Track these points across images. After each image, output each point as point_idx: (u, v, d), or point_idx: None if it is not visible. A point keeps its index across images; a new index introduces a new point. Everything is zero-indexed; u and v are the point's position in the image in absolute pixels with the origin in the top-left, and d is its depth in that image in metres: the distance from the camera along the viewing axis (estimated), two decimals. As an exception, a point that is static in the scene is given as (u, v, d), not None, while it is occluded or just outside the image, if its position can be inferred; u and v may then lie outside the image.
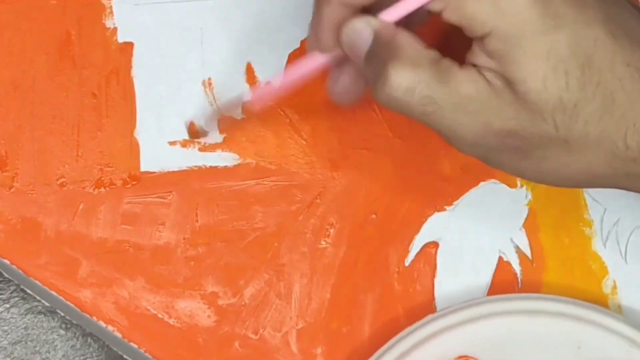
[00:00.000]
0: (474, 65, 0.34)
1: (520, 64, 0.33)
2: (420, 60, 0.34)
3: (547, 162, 0.35)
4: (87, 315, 0.41)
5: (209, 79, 0.43)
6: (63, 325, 0.43)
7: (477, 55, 0.34)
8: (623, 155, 0.34)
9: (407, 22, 0.36)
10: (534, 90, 0.33)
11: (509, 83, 0.33)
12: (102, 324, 0.41)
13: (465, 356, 0.41)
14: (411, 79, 0.34)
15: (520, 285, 0.44)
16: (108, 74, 0.43)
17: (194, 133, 0.42)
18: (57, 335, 0.43)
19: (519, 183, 0.44)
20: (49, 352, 0.43)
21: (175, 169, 0.43)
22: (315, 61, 0.38)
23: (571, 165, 0.35)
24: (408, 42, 0.35)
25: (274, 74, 0.40)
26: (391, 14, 0.35)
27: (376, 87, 0.34)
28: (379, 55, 0.34)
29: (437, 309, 0.43)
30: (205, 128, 0.42)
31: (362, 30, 0.35)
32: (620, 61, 0.34)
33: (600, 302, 0.44)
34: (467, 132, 0.34)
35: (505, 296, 0.42)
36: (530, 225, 0.44)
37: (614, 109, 0.33)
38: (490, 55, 0.33)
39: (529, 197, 0.44)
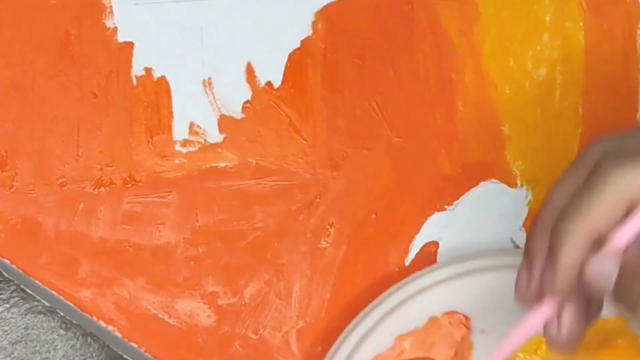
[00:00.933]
0: None
1: None
2: None
3: None
4: (87, 315, 0.41)
5: (209, 78, 0.43)
6: (63, 325, 0.43)
7: None
8: None
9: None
10: None
11: None
12: (102, 324, 0.41)
13: (454, 312, 0.41)
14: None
15: (520, 285, 0.43)
16: (108, 74, 0.43)
17: None
18: (57, 335, 0.43)
19: (519, 183, 0.44)
20: (49, 352, 0.43)
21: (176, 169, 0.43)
22: (542, 314, 0.34)
23: None
24: None
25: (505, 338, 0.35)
26: (625, 234, 0.32)
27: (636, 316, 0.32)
28: (632, 286, 0.32)
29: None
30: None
31: (607, 266, 0.32)
32: None
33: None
34: None
35: (495, 250, 0.42)
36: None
37: None
38: None
39: (529, 197, 0.44)
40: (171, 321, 0.42)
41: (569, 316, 0.34)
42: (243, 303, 0.42)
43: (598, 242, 0.32)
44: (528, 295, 0.34)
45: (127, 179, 0.42)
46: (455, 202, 0.44)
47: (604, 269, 0.32)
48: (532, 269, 0.34)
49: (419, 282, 0.41)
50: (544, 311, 0.34)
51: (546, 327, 0.34)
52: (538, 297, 0.34)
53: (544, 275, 0.34)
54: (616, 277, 0.32)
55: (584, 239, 0.32)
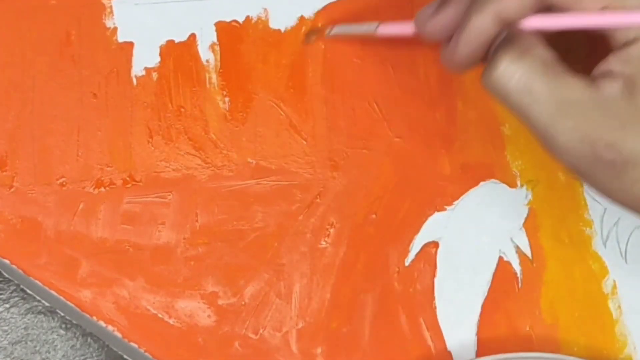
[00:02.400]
0: (599, 77, 0.34)
1: None
2: (531, 53, 0.34)
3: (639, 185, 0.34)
4: (87, 315, 0.41)
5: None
6: (63, 325, 0.43)
7: (612, 61, 0.34)
8: None
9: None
10: None
11: (633, 90, 0.33)
12: (102, 324, 0.41)
13: None
14: (514, 66, 0.34)
15: (520, 285, 0.44)
16: (108, 74, 0.43)
17: (310, 36, 0.44)
18: (57, 335, 0.43)
19: (518, 183, 0.44)
20: (49, 352, 0.43)
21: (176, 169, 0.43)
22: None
23: None
24: (527, 37, 0.35)
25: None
26: (532, 23, 0.35)
27: (485, 71, 0.35)
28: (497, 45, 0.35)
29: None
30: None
31: (486, 25, 0.35)
32: None
33: (600, 302, 0.44)
34: (564, 135, 0.34)
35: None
36: (530, 225, 0.44)
37: None
38: (629, 60, 0.33)
39: (529, 197, 0.44)
40: (171, 321, 0.42)
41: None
42: (243, 303, 0.42)
43: (505, 25, 0.35)
44: (427, 28, 0.37)
45: (127, 179, 0.42)
46: (455, 202, 0.44)
47: (479, 23, 0.35)
48: (441, 9, 0.36)
49: None
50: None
51: (443, 49, 0.37)
52: (435, 36, 0.37)
53: (448, 18, 0.36)
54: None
55: (492, 16, 0.34)
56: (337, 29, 0.43)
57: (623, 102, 0.33)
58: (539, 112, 0.34)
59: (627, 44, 0.34)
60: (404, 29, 0.39)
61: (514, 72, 0.34)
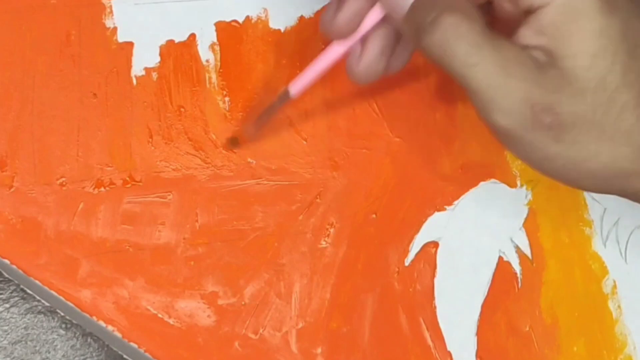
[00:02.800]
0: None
1: (573, 38, 0.33)
2: (473, 15, 0.34)
3: (577, 149, 0.34)
4: (87, 315, 0.41)
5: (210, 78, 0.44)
6: (63, 325, 0.43)
7: (525, 34, 0.34)
8: None
9: None
10: (581, 66, 0.33)
11: (556, 59, 0.34)
12: (102, 324, 0.41)
13: None
14: (465, 26, 0.34)
15: (520, 285, 0.44)
16: (108, 74, 0.43)
17: (234, 143, 0.43)
18: (57, 335, 0.43)
19: (518, 183, 0.44)
20: (49, 352, 0.43)
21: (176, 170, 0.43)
22: (335, 53, 0.38)
23: (599, 156, 0.34)
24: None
25: (295, 80, 0.40)
26: None
27: (426, 32, 0.34)
28: (430, 4, 0.35)
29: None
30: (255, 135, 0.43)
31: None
32: None
33: (600, 302, 0.44)
34: (506, 96, 0.34)
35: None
36: (530, 225, 0.44)
37: None
38: (542, 30, 0.34)
39: (529, 197, 0.44)
40: (171, 321, 0.42)
41: (369, 51, 0.38)
42: (243, 303, 0.42)
43: None
44: (332, 27, 0.37)
45: (127, 179, 0.42)
46: (455, 202, 0.44)
47: None
48: (343, 3, 0.37)
49: None
50: (345, 44, 0.38)
51: (349, 59, 0.38)
52: (342, 32, 0.38)
53: (351, 12, 0.37)
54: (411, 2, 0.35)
55: None
56: (253, 123, 0.43)
57: (551, 68, 0.34)
58: (483, 72, 0.34)
59: (533, 10, 0.34)
60: (312, 73, 0.39)
61: (463, 31, 0.34)
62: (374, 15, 0.37)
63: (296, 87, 0.40)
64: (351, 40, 0.38)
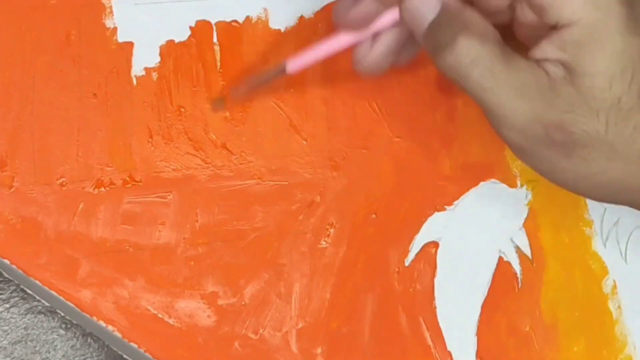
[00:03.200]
0: (540, 61, 0.35)
1: (594, 59, 0.34)
2: (488, 36, 0.35)
3: (587, 165, 0.35)
4: (87, 315, 0.41)
5: (209, 79, 0.44)
6: (63, 325, 0.43)
7: (546, 48, 0.34)
8: None
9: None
10: (599, 87, 0.34)
11: (574, 76, 0.34)
12: (102, 324, 0.41)
13: None
14: (479, 51, 0.34)
15: (520, 285, 0.44)
16: (108, 74, 0.43)
17: (219, 104, 0.43)
18: (57, 335, 0.43)
19: (518, 183, 0.44)
20: (49, 352, 0.43)
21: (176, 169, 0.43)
22: (341, 42, 0.39)
23: (609, 172, 0.35)
24: (476, 17, 0.36)
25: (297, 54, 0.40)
26: None
27: (442, 53, 0.35)
28: (447, 25, 0.35)
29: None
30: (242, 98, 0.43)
31: (426, 3, 0.36)
32: None
33: (600, 302, 0.44)
34: (518, 116, 0.34)
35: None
36: (530, 225, 0.44)
37: None
38: (564, 47, 0.34)
39: (529, 197, 0.44)
40: (171, 321, 0.42)
41: (380, 45, 0.38)
42: (243, 303, 0.42)
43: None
44: (346, 18, 0.38)
45: (127, 179, 0.42)
46: (455, 202, 0.44)
47: (423, 4, 0.36)
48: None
49: None
50: (355, 36, 0.38)
51: (357, 50, 0.39)
52: (355, 25, 0.38)
53: (368, 8, 0.37)
54: (433, 17, 0.35)
55: None
56: (243, 87, 0.43)
57: (568, 86, 0.34)
58: (497, 95, 0.34)
59: (558, 28, 0.34)
60: (313, 55, 0.40)
61: (476, 56, 0.34)
62: (391, 16, 0.38)
63: (294, 64, 0.40)
64: (362, 35, 0.38)
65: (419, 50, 0.40)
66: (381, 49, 0.39)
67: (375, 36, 0.39)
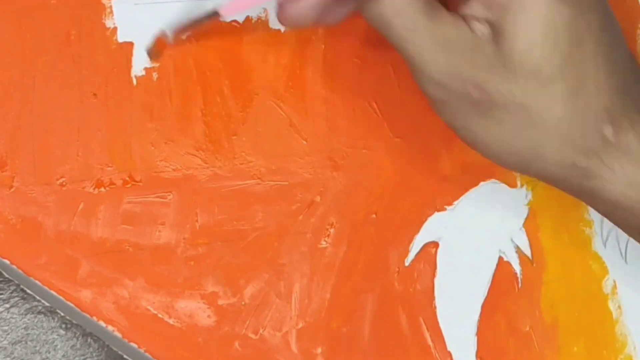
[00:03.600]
0: (466, 18, 0.35)
1: (517, 20, 0.34)
2: None
3: (501, 128, 0.35)
4: (87, 315, 0.41)
5: (209, 79, 0.44)
6: (63, 325, 0.43)
7: (474, 5, 0.35)
8: (576, 143, 0.34)
9: None
10: (519, 50, 0.34)
11: (497, 36, 0.34)
12: (102, 324, 0.41)
13: None
14: (403, 2, 0.34)
15: (520, 285, 0.44)
16: (108, 74, 0.43)
17: (157, 50, 0.42)
18: (57, 335, 0.43)
19: (518, 183, 0.44)
20: (49, 352, 0.43)
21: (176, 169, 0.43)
22: None
23: (523, 138, 0.35)
24: None
25: None
26: None
27: (368, 3, 0.35)
28: None
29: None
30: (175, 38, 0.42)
31: None
32: (602, 52, 0.34)
33: (600, 302, 0.44)
34: (437, 69, 0.35)
35: None
36: (530, 225, 0.44)
37: (581, 95, 0.34)
38: (490, 5, 0.34)
39: (529, 197, 0.44)
40: (171, 321, 0.42)
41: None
42: (243, 303, 0.42)
43: None
44: None
45: (127, 179, 0.42)
46: (455, 202, 0.44)
47: None
48: None
49: None
50: None
51: (280, 4, 0.37)
52: None
53: None
54: None
55: None
56: (173, 26, 0.42)
57: (491, 45, 0.34)
58: (418, 45, 0.35)
59: None
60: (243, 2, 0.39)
61: (400, 7, 0.34)
62: None
63: (227, 9, 0.39)
64: None
65: (348, 12, 0.39)
66: (306, 2, 0.37)
67: None
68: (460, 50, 0.34)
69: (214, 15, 0.40)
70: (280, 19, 0.38)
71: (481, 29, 0.35)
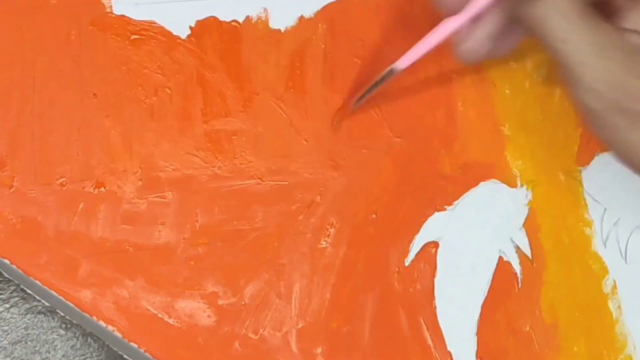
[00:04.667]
0: (622, 30, 0.35)
1: None
2: None
3: None
4: (87, 315, 0.41)
5: (209, 79, 0.44)
6: (63, 325, 0.43)
7: (629, 17, 0.35)
8: None
9: None
10: None
11: None
12: (102, 324, 0.41)
13: None
14: (567, 4, 0.34)
15: (520, 285, 0.44)
16: (108, 74, 0.43)
17: (340, 118, 0.43)
18: (57, 335, 0.43)
19: (519, 183, 0.44)
20: (49, 352, 0.43)
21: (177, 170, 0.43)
22: (448, 29, 0.38)
23: None
24: None
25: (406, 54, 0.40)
26: None
27: (527, 2, 0.35)
28: None
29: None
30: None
31: None
32: None
33: (600, 302, 0.44)
34: (596, 76, 0.34)
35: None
36: (530, 225, 0.44)
37: None
38: None
39: (529, 197, 0.44)
40: (171, 321, 0.42)
41: (480, 29, 0.38)
42: (243, 303, 0.42)
43: None
44: (446, 3, 0.37)
45: (127, 179, 0.42)
46: (455, 202, 0.44)
47: None
48: None
49: None
50: (457, 20, 0.37)
51: (456, 37, 0.38)
52: (455, 4, 0.37)
53: None
54: None
55: None
56: (361, 97, 0.42)
57: None
58: (575, 50, 0.34)
59: None
60: (419, 51, 0.39)
61: (565, 8, 0.34)
62: None
63: (403, 63, 0.40)
64: (463, 17, 0.38)
65: (518, 41, 0.39)
66: (477, 37, 0.38)
67: (473, 24, 0.38)
68: (623, 59, 0.34)
69: (390, 74, 0.40)
70: (458, 55, 0.39)
71: (638, 40, 0.34)
